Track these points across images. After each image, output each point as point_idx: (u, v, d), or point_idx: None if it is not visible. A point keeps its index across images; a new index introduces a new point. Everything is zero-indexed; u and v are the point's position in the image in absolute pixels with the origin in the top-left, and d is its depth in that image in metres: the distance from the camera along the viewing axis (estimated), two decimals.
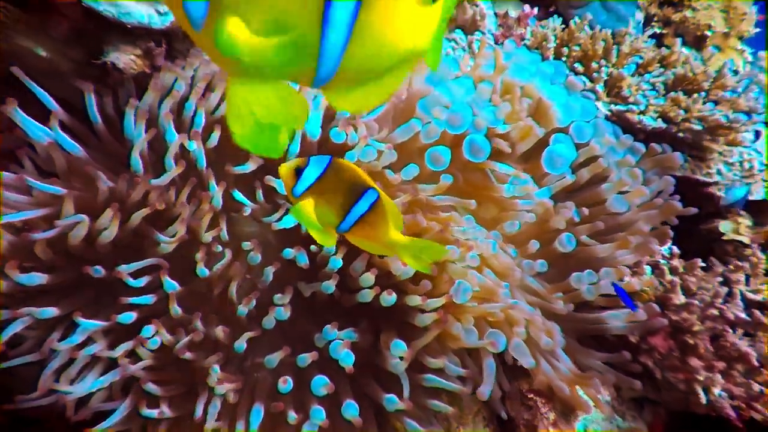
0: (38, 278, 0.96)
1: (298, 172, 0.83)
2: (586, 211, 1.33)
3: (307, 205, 0.84)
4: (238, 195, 1.13)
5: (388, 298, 1.04)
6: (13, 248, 0.95)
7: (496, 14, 2.01)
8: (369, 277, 1.04)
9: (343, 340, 1.03)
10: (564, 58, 1.66)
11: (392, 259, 1.07)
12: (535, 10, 2.01)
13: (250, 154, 1.15)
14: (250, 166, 1.13)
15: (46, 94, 1.03)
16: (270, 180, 1.13)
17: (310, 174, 0.81)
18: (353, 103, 0.54)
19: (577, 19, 1.74)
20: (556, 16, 1.90)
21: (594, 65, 1.62)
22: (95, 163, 1.07)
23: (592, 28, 1.79)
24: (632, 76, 1.62)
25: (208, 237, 1.08)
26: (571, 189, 1.35)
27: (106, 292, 1.05)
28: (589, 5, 1.99)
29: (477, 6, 1.86)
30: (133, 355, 1.02)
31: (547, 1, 2.22)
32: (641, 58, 1.67)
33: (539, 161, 1.27)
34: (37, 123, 1.01)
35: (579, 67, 1.66)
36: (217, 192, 1.09)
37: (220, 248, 1.09)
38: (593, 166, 1.34)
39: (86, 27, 1.00)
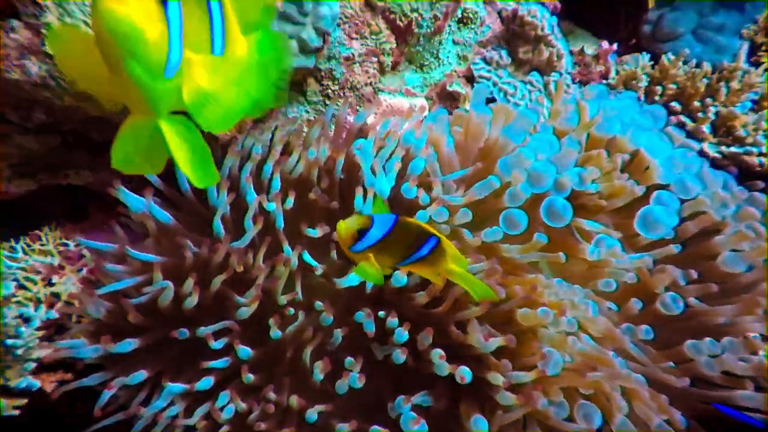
0: (130, 345, 1.00)
1: (361, 232, 0.82)
2: (694, 273, 1.14)
3: (369, 262, 0.84)
4: (307, 257, 1.11)
5: (466, 376, 0.94)
6: (110, 315, 1.00)
7: (571, 52, 1.89)
8: (440, 359, 0.96)
9: (414, 415, 0.94)
10: (657, 98, 1.49)
11: (471, 329, 0.98)
12: (615, 45, 1.87)
13: (320, 217, 1.14)
14: (317, 231, 1.11)
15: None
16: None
17: (374, 235, 0.81)
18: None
19: (670, 55, 1.57)
20: (644, 53, 1.74)
21: (697, 104, 1.43)
22: (184, 228, 1.11)
23: (685, 62, 1.61)
24: (747, 114, 1.41)
25: (283, 300, 1.07)
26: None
27: (188, 351, 1.07)
28: (680, 38, 1.81)
29: (554, 47, 1.76)
30: (209, 417, 1.01)
31: (623, 34, 2.06)
32: (757, 94, 1.45)
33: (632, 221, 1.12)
34: (136, 195, 1.08)
35: (677, 106, 1.48)
36: (293, 255, 1.08)
37: (292, 311, 1.08)
38: (701, 219, 1.16)
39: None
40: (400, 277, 1.01)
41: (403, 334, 0.98)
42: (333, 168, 1.16)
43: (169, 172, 1.13)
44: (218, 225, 1.09)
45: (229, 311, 1.07)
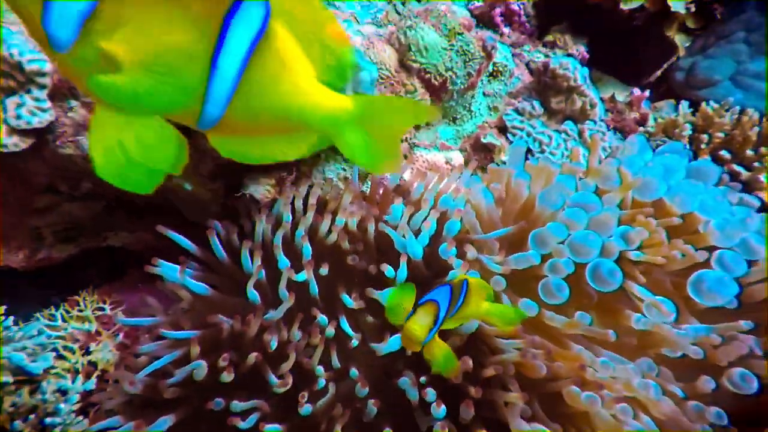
0: (165, 423, 0.96)
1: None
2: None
3: (439, 346, 0.80)
4: (345, 325, 1.06)
5: None
6: (146, 389, 0.97)
7: (602, 99, 1.85)
8: None
9: None
10: (703, 146, 1.42)
11: (510, 414, 0.91)
12: (647, 92, 1.82)
13: (358, 281, 1.11)
14: (354, 303, 1.06)
15: (184, 238, 1.10)
16: (372, 293, 1.04)
17: (440, 317, 0.76)
18: (234, 150, 0.54)
19: (712, 102, 1.51)
20: (685, 102, 1.68)
21: (750, 153, 1.35)
22: (219, 294, 1.09)
23: (727, 110, 1.54)
24: None
25: (320, 371, 1.02)
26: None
27: (221, 422, 1.02)
28: (718, 85, 1.74)
29: (587, 96, 1.72)
30: None
31: (649, 80, 2.01)
32: None
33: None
34: (172, 265, 1.07)
35: (726, 155, 1.40)
36: (328, 325, 1.04)
37: (323, 383, 1.02)
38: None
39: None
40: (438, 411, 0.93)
41: (439, 410, 0.91)
42: (366, 235, 1.12)
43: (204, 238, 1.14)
44: (253, 293, 1.06)
45: (264, 384, 1.02)
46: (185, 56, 0.44)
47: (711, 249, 1.05)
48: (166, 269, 1.06)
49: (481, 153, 1.65)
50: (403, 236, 1.06)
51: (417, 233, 1.09)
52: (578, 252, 0.99)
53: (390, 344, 0.99)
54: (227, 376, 0.97)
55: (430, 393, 0.94)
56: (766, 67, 1.53)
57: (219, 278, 1.13)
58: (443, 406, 0.91)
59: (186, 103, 0.47)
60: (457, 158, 1.59)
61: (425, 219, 1.10)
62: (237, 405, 0.96)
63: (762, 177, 1.33)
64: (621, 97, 1.89)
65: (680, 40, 1.86)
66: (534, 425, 0.89)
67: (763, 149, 1.34)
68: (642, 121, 1.82)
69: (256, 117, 0.50)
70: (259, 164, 1.02)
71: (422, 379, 0.97)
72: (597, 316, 1.10)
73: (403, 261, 1.05)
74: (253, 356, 0.99)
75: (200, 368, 0.98)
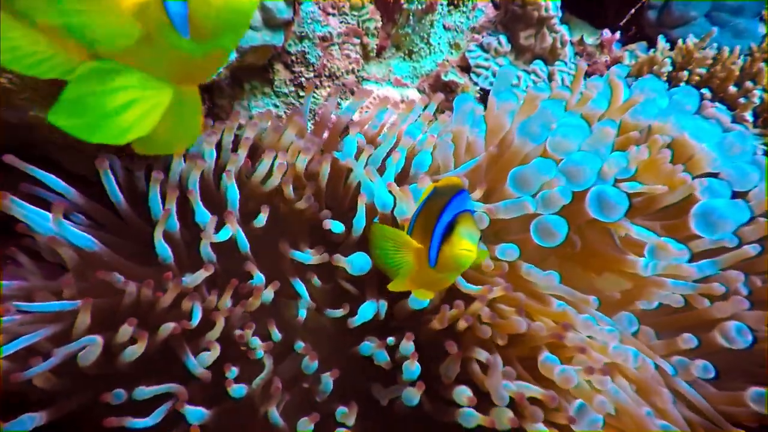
0: (33, 421, 0.75)
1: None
2: (758, 282, 1.01)
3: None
4: (299, 286, 0.92)
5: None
6: (7, 381, 0.74)
7: (571, 42, 1.79)
8: (465, 395, 0.84)
9: None
10: (683, 84, 1.39)
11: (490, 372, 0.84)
12: (617, 34, 1.79)
13: (301, 234, 0.96)
14: (310, 257, 0.90)
15: (52, 176, 0.87)
16: (339, 260, 0.91)
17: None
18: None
19: (692, 37, 1.47)
20: (661, 37, 1.64)
21: (733, 89, 1.33)
22: (116, 255, 0.87)
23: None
24: None
25: (256, 342, 0.88)
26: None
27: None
28: (693, 23, 1.73)
29: (557, 32, 1.64)
30: None
31: (615, 22, 1.99)
32: None
33: (684, 220, 0.98)
34: (39, 210, 0.83)
35: (707, 93, 1.37)
36: (268, 290, 0.90)
37: (261, 354, 0.89)
38: (762, 225, 1.03)
39: None
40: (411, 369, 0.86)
41: (412, 367, 0.85)
42: (317, 176, 0.95)
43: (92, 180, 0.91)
44: (163, 246, 0.86)
45: (177, 364, 0.86)
46: None
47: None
48: (32, 215, 0.82)
49: (441, 93, 1.52)
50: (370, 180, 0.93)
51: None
52: (575, 176, 0.89)
53: (362, 313, 0.90)
54: (136, 349, 0.77)
55: (404, 347, 0.86)
56: None
57: (111, 237, 0.91)
58: (417, 364, 0.85)
59: None
60: (415, 97, 1.46)
61: (388, 154, 0.95)
62: (143, 391, 0.77)
63: (747, 115, 1.32)
64: (590, 40, 1.84)
65: None
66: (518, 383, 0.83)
67: (748, 83, 1.32)
68: (613, 65, 1.78)
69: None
70: None
71: (390, 339, 0.89)
72: (581, 265, 1.03)
73: (361, 204, 0.90)
74: (168, 327, 0.80)
75: (93, 345, 0.77)
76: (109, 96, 0.46)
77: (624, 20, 1.98)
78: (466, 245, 0.61)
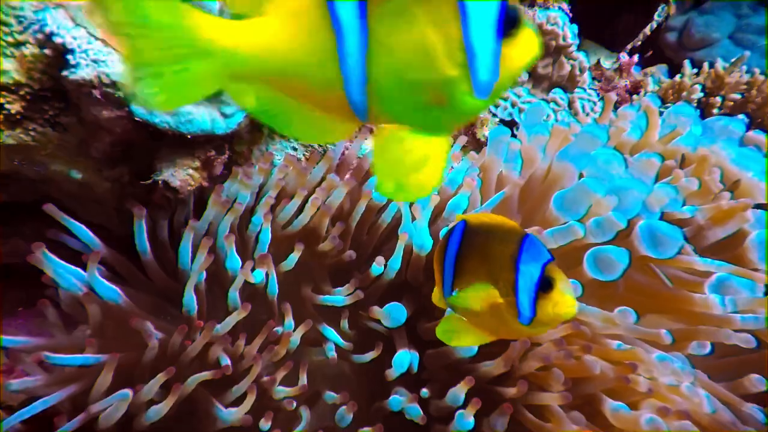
0: None
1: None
2: None
3: None
4: (330, 332, 0.91)
5: None
6: None
7: (588, 67, 1.80)
8: None
9: None
10: (716, 111, 1.37)
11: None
12: (636, 57, 1.80)
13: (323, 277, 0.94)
14: (343, 299, 0.89)
15: (82, 226, 0.88)
16: (376, 312, 0.90)
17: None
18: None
19: (721, 61, 1.47)
20: (688, 62, 1.64)
21: None
22: (139, 310, 0.86)
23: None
24: None
25: (281, 391, 0.87)
26: None
27: None
28: (716, 45, 1.73)
29: (576, 59, 1.65)
30: None
31: (637, 47, 2.00)
32: None
33: (739, 252, 0.94)
34: (69, 266, 0.84)
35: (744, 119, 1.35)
36: (296, 333, 0.89)
37: (294, 405, 0.87)
38: None
39: (135, 141, 0.85)
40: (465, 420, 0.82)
41: (468, 418, 0.80)
42: (349, 215, 0.95)
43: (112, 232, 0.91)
44: (191, 298, 0.86)
45: (204, 422, 0.84)
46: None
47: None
48: (60, 270, 0.82)
49: (461, 128, 1.52)
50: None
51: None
52: (621, 201, 0.86)
53: (398, 363, 0.87)
54: (161, 409, 0.75)
55: (454, 395, 0.81)
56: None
57: (137, 294, 0.91)
58: (472, 416, 0.80)
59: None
60: None
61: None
62: None
63: None
64: (607, 63, 1.85)
65: None
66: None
67: None
68: (634, 89, 1.78)
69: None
70: (175, 141, 0.85)
71: (423, 391, 0.86)
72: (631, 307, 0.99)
73: (401, 244, 0.90)
74: (196, 379, 0.78)
75: (121, 402, 0.75)
76: (408, 156, 0.47)
77: (637, 41, 1.99)
78: (570, 301, 0.60)
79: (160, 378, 0.76)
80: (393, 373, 0.87)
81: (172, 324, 0.87)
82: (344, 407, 0.85)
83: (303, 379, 0.88)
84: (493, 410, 0.83)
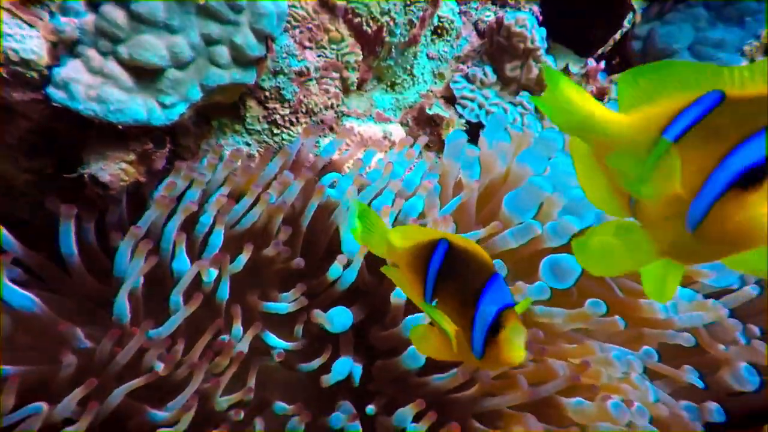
0: None
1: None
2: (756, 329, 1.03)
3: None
4: (272, 338, 0.89)
5: None
6: None
7: None
8: None
9: None
10: None
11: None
12: (602, 64, 1.84)
13: (273, 282, 0.92)
14: (288, 306, 0.86)
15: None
16: (319, 317, 0.87)
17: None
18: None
19: None
20: None
21: None
22: (57, 316, 0.81)
23: None
24: None
25: (224, 403, 0.85)
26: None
27: None
28: (676, 55, 1.78)
29: (544, 64, 1.67)
30: None
31: (605, 53, 2.05)
32: None
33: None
34: None
35: None
36: (245, 339, 0.86)
37: (242, 416, 0.85)
38: None
39: (58, 130, 0.79)
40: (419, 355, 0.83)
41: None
42: (298, 216, 0.92)
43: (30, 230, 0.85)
44: (122, 305, 0.81)
45: None
46: None
47: None
48: None
49: (425, 127, 1.52)
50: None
51: None
52: (577, 212, 0.90)
53: (337, 370, 0.86)
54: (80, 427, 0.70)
55: (401, 415, 0.80)
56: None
57: (59, 301, 0.86)
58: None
59: None
60: (398, 132, 1.45)
61: (377, 195, 0.93)
62: None
63: None
64: (575, 68, 1.88)
65: (637, 4, 1.89)
66: None
67: None
68: (600, 95, 1.81)
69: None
70: (106, 132, 0.80)
71: (369, 408, 0.85)
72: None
73: (360, 258, 0.89)
74: (124, 389, 0.74)
75: (34, 418, 0.70)
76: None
77: (607, 47, 2.03)
78: (517, 350, 0.61)
79: (78, 393, 0.71)
80: (329, 379, 0.85)
81: (103, 332, 0.83)
82: (296, 418, 0.83)
83: (251, 385, 0.85)
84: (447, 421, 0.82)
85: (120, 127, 0.77)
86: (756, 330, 1.04)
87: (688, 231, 0.46)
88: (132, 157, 0.80)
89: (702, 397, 0.98)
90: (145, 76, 0.77)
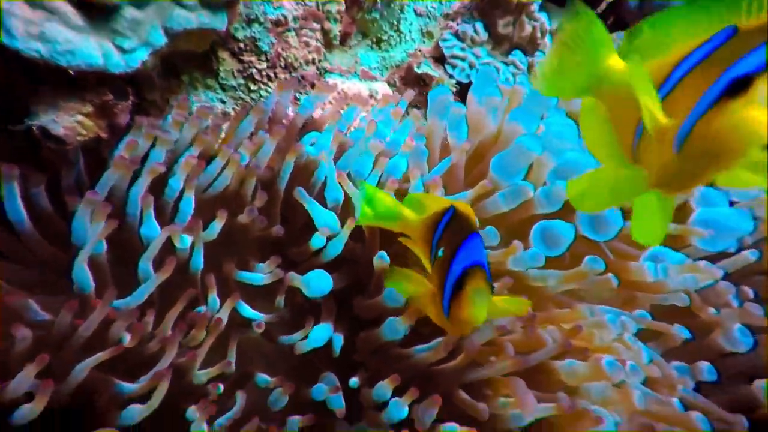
0: None
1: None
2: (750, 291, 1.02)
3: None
4: (246, 309, 0.84)
5: None
6: None
7: (550, 32, 1.76)
8: None
9: None
10: None
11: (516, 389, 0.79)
12: None
13: (251, 250, 0.89)
14: (263, 277, 0.81)
15: None
16: (295, 280, 0.84)
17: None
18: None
19: None
20: None
21: None
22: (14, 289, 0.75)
23: None
24: None
25: (201, 377, 0.81)
26: None
27: None
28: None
29: (538, 20, 1.59)
30: None
31: (599, 13, 1.99)
32: None
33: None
34: None
35: None
36: (225, 308, 0.82)
37: (221, 389, 0.81)
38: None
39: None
40: (398, 326, 0.80)
41: (402, 408, 0.77)
42: (274, 178, 0.87)
43: None
44: (82, 273, 0.75)
45: (108, 416, 0.75)
46: None
47: None
48: None
49: (414, 88, 1.45)
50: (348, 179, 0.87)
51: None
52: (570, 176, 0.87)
53: (314, 337, 0.83)
54: (33, 409, 0.65)
55: (380, 391, 0.78)
56: None
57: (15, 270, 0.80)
58: (406, 406, 0.77)
59: None
60: (384, 91, 1.38)
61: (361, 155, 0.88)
62: None
63: None
64: None
65: None
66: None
67: None
68: None
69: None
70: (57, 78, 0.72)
71: (353, 381, 0.82)
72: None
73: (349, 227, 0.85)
74: (87, 364, 0.70)
75: None
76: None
77: (601, 8, 1.96)
78: (475, 308, 0.60)
79: (30, 370, 0.65)
80: (304, 346, 0.82)
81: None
82: (279, 389, 0.80)
83: (231, 359, 0.82)
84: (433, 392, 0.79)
85: (72, 72, 0.69)
86: (750, 292, 1.03)
87: (675, 151, 0.46)
88: (89, 108, 0.72)
89: (694, 358, 0.98)
90: (98, 13, 0.68)
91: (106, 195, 0.78)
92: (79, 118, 0.72)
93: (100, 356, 0.71)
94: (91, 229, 0.74)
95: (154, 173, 0.80)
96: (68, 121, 0.71)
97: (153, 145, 0.82)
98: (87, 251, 0.73)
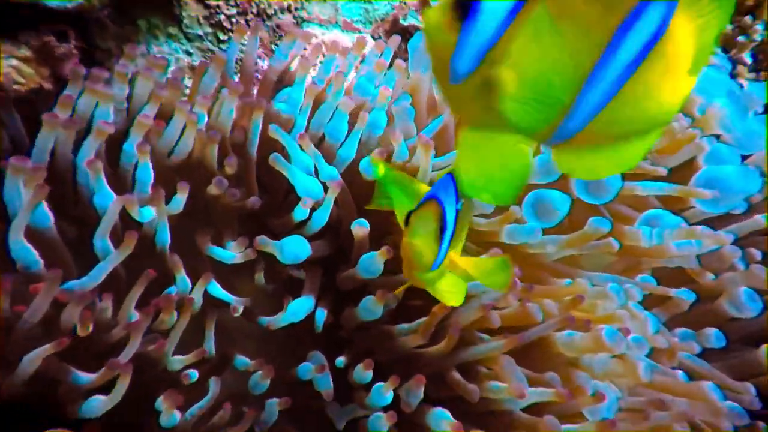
0: None
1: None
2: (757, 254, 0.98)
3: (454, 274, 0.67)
4: (218, 289, 0.78)
5: None
6: None
7: None
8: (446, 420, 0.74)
9: None
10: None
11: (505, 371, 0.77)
12: None
13: (226, 223, 0.82)
14: (233, 255, 0.76)
15: None
16: (266, 245, 0.78)
17: (450, 224, 0.61)
18: (582, 168, 0.54)
19: None
20: None
21: (728, 26, 1.19)
22: None
23: None
24: None
25: (176, 362, 0.75)
26: None
27: None
28: None
29: None
30: None
31: None
32: None
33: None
34: None
35: None
36: (197, 288, 0.75)
37: (195, 375, 0.75)
38: None
39: None
40: (372, 306, 0.76)
41: (385, 394, 0.74)
42: (245, 141, 0.79)
43: None
44: (21, 247, 0.67)
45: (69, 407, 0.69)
46: (565, 75, 0.47)
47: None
48: None
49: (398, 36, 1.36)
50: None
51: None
52: None
53: (292, 311, 0.78)
54: None
55: (361, 374, 0.75)
56: None
57: None
58: (391, 390, 0.73)
59: (549, 119, 0.49)
60: (369, 45, 1.28)
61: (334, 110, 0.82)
62: None
63: (746, 56, 1.20)
64: None
65: None
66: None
67: (747, 19, 1.20)
68: None
69: (616, 127, 0.49)
70: None
71: (339, 360, 0.78)
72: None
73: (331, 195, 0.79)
74: (36, 355, 0.63)
75: None
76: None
77: None
78: (412, 234, 0.58)
79: None
80: (278, 321, 0.77)
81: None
82: (258, 374, 0.75)
83: (208, 347, 0.76)
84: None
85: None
86: (757, 254, 0.99)
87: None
88: (26, 52, 0.63)
89: (700, 324, 0.96)
90: None
91: (48, 161, 0.69)
92: (14, 62, 0.62)
93: (47, 348, 0.64)
94: (24, 194, 0.66)
95: (101, 135, 0.71)
96: (2, 67, 0.61)
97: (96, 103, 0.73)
98: (20, 222, 0.65)
